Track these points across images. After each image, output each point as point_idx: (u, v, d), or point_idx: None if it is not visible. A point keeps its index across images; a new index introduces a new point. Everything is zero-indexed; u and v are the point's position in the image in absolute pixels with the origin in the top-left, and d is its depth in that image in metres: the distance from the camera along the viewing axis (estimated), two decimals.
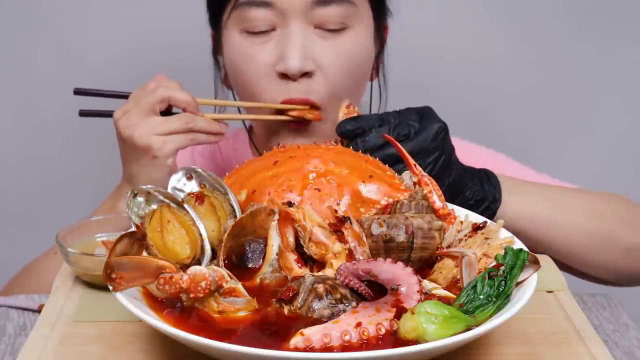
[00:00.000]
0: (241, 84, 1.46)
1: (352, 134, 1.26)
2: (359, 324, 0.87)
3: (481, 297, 0.91)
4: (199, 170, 1.12)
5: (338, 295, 0.91)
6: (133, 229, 1.06)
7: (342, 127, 1.27)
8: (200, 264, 1.02)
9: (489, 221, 1.10)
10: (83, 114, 1.43)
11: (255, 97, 1.43)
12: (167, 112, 1.36)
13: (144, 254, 1.01)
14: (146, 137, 1.31)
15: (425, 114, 1.27)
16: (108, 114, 1.38)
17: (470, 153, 1.59)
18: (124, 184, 1.39)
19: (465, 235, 1.06)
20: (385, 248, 1.00)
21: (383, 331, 0.87)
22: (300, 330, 0.86)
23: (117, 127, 1.34)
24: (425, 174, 1.15)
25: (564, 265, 1.41)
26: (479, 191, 1.30)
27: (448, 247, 1.04)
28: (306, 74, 1.39)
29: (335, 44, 1.41)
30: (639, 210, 1.45)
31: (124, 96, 1.39)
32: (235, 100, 1.54)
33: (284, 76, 1.39)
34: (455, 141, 1.58)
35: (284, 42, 1.39)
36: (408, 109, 1.28)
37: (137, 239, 1.00)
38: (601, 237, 1.38)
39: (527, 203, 1.35)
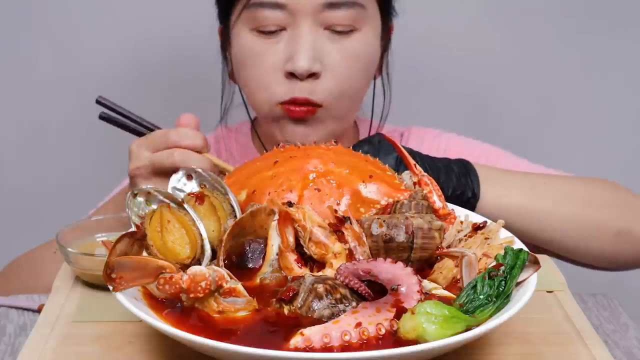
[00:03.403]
0: (247, 81, 1.48)
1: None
2: (359, 324, 0.87)
3: (481, 297, 0.91)
4: (199, 170, 1.12)
5: (338, 295, 0.91)
6: (133, 229, 1.06)
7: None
8: (200, 264, 1.02)
9: (489, 221, 1.10)
10: (103, 118, 1.39)
11: (259, 94, 1.44)
12: None
13: (144, 254, 1.01)
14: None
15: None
16: (128, 129, 1.37)
17: (465, 147, 1.62)
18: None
19: (465, 235, 1.06)
20: (385, 248, 1.00)
21: (383, 331, 0.87)
22: (300, 330, 0.86)
23: (129, 158, 1.33)
24: (425, 174, 1.15)
25: (554, 253, 1.41)
26: (456, 186, 1.31)
27: (448, 247, 1.04)
28: (313, 75, 1.42)
29: (343, 47, 1.43)
30: (625, 194, 1.45)
31: (147, 127, 1.37)
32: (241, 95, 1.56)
33: (291, 75, 1.41)
34: (450, 137, 1.63)
35: (294, 42, 1.41)
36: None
37: (137, 239, 1.00)
38: (587, 223, 1.38)
39: (507, 195, 1.35)
